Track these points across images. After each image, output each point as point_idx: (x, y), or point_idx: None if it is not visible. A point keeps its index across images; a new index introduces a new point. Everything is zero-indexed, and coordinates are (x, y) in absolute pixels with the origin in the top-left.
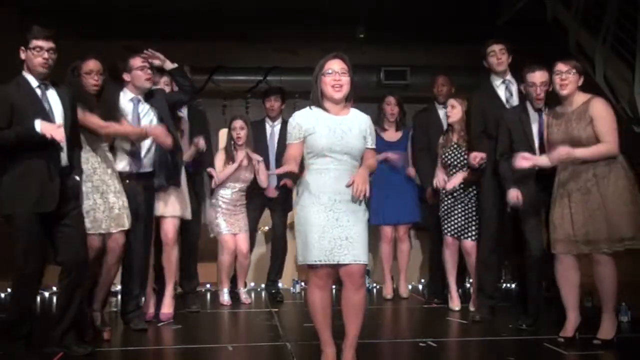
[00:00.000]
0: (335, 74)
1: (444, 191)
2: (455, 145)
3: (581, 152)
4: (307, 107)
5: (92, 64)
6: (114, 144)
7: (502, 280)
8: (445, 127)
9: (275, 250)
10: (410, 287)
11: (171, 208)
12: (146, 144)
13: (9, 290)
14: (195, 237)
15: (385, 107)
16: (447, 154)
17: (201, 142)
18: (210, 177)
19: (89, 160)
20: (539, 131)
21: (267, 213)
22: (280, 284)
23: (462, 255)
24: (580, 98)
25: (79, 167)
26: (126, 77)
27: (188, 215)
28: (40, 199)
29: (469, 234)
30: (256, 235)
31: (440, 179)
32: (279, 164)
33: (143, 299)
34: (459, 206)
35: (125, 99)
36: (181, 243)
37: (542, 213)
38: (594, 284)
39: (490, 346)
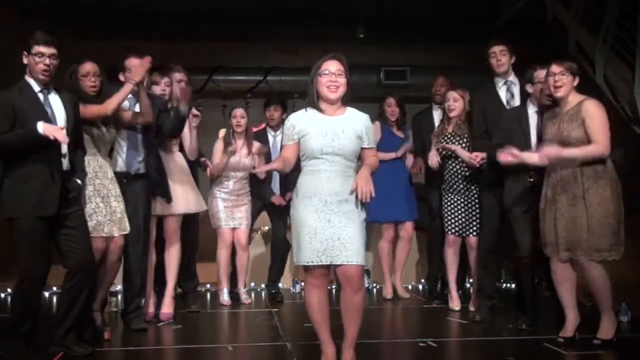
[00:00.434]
0: (332, 74)
1: (444, 188)
2: (449, 135)
3: (569, 152)
4: (303, 109)
5: (88, 67)
6: (113, 147)
7: (501, 280)
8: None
9: (275, 251)
10: (410, 287)
11: (172, 206)
12: (140, 148)
13: (9, 290)
14: (194, 236)
15: (385, 108)
16: (441, 145)
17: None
18: (205, 167)
19: (90, 164)
20: (538, 132)
21: (265, 213)
22: (280, 284)
23: (462, 255)
24: (575, 99)
25: (82, 170)
26: (121, 77)
27: (193, 207)
28: (40, 203)
29: (473, 230)
30: (254, 236)
31: (434, 160)
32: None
33: (143, 299)
34: (462, 204)
35: None
36: (181, 241)
37: (532, 214)
38: None
39: (490, 346)
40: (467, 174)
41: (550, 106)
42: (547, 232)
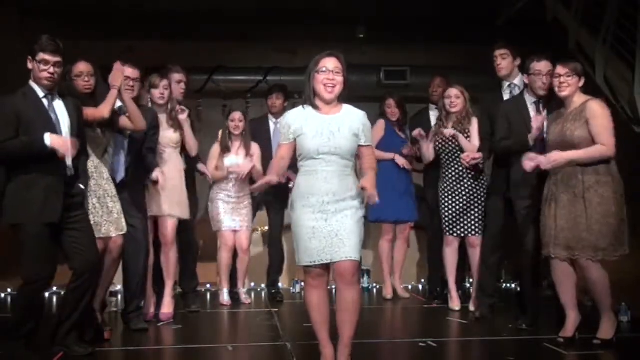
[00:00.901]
0: (329, 72)
1: (442, 188)
2: (444, 134)
3: (572, 155)
4: (300, 107)
5: (82, 67)
6: (107, 149)
7: (501, 280)
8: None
9: (273, 250)
10: (410, 287)
11: (169, 208)
12: (125, 154)
13: (9, 290)
14: (193, 236)
15: (386, 110)
16: (439, 142)
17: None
18: (203, 174)
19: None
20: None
21: (264, 213)
22: (280, 284)
23: (462, 255)
24: (579, 100)
25: (85, 175)
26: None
27: (186, 215)
28: (44, 210)
29: (472, 230)
30: (253, 235)
31: (430, 152)
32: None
33: (143, 300)
34: (460, 204)
35: None
36: (179, 243)
37: (536, 209)
38: None
39: (490, 346)
40: (465, 174)
41: (546, 97)
42: (546, 230)
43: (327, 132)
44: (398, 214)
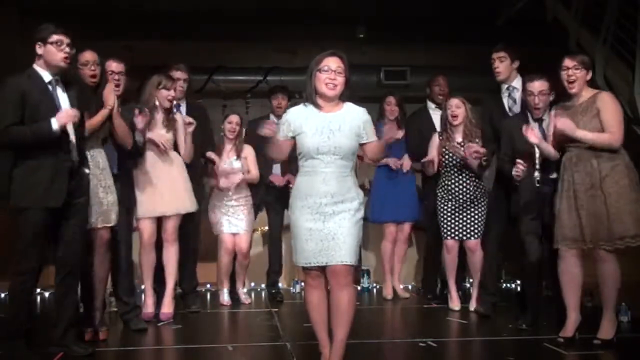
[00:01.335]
0: (332, 72)
1: (441, 192)
2: (459, 145)
3: (582, 134)
4: (302, 105)
5: (88, 55)
6: (106, 139)
7: (501, 280)
8: (437, 128)
9: (272, 251)
10: (410, 287)
11: (168, 207)
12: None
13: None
14: (194, 236)
15: (385, 107)
16: (446, 155)
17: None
18: (212, 162)
19: None
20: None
21: (264, 213)
22: (280, 284)
23: (460, 256)
24: (588, 93)
25: (87, 161)
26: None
27: (189, 207)
28: (48, 194)
29: (472, 234)
30: (253, 236)
31: (433, 166)
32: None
33: (143, 297)
34: (459, 208)
35: None
36: (181, 242)
37: (539, 216)
38: (594, 284)
39: (490, 346)
40: (464, 179)
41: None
42: (564, 226)
43: (327, 131)
44: (399, 214)
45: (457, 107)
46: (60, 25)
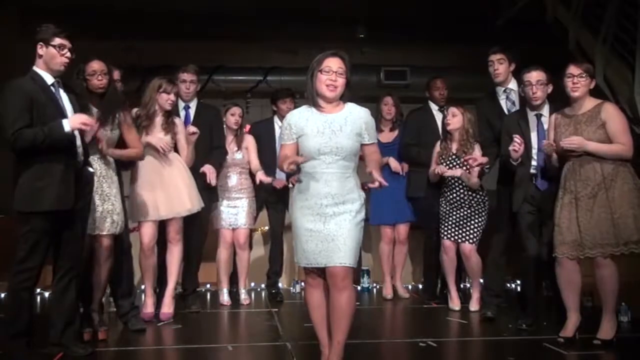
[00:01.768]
0: (333, 73)
1: (443, 196)
2: (454, 156)
3: (595, 146)
4: (304, 106)
5: (95, 65)
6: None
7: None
8: (440, 128)
9: (273, 250)
10: (410, 287)
11: (171, 210)
12: None
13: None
14: (198, 236)
15: (382, 107)
16: (443, 164)
17: (190, 128)
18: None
19: None
20: (538, 136)
21: (265, 213)
22: (280, 284)
23: (459, 257)
24: (591, 102)
25: (89, 160)
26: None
27: (194, 206)
28: (58, 197)
29: (468, 237)
30: (254, 236)
31: (439, 167)
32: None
33: (143, 297)
34: (457, 209)
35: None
36: (185, 242)
37: (536, 215)
38: (594, 284)
39: (490, 346)
40: (464, 189)
41: (555, 108)
42: (566, 232)
43: (328, 131)
44: (396, 215)
45: (453, 115)
46: (63, 27)
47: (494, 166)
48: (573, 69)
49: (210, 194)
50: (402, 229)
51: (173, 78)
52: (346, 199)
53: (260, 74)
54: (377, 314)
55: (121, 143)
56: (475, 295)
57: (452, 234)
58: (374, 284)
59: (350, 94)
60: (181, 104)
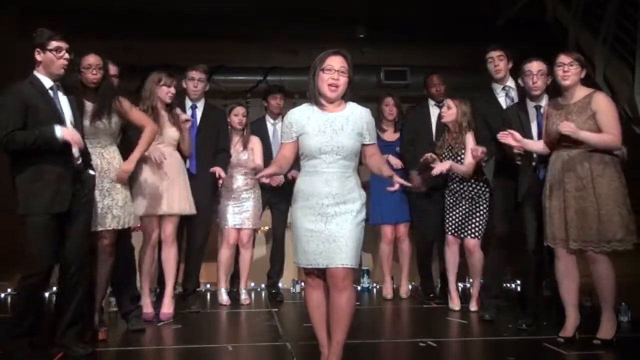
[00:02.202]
0: (335, 72)
1: (447, 191)
2: (449, 147)
3: (586, 135)
4: (305, 104)
5: (91, 59)
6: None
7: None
8: (434, 124)
9: (274, 250)
10: (410, 287)
11: (168, 207)
12: None
13: (9, 290)
14: (201, 237)
15: (383, 107)
16: (442, 156)
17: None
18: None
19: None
20: (538, 128)
21: (267, 213)
22: (280, 284)
23: (461, 256)
24: (582, 92)
25: (91, 162)
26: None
27: (189, 210)
28: (53, 200)
29: (471, 232)
30: (256, 235)
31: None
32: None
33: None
34: (461, 203)
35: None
36: (187, 242)
37: (539, 208)
38: (592, 284)
39: (490, 346)
40: (467, 182)
41: (551, 99)
42: (555, 224)
43: (329, 130)
44: (397, 215)
45: (448, 107)
46: (58, 29)
47: (490, 162)
48: (563, 58)
49: (212, 194)
50: (402, 228)
51: (172, 72)
52: (347, 199)
53: (260, 74)
54: (377, 314)
55: (123, 138)
56: (476, 295)
57: (456, 230)
58: (374, 284)
59: (352, 93)
60: (188, 103)
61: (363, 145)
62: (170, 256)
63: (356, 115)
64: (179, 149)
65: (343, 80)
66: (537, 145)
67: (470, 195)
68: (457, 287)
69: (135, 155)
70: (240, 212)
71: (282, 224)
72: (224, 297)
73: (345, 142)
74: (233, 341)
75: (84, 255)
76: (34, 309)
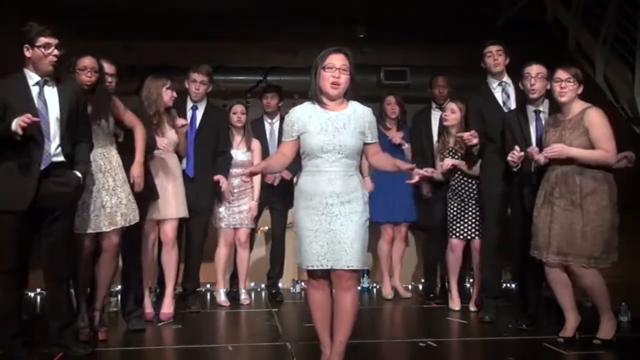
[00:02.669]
0: (336, 70)
1: (449, 193)
2: (452, 151)
3: (577, 152)
4: (307, 102)
5: (87, 61)
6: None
7: (502, 280)
8: (435, 129)
9: (274, 251)
10: (410, 287)
11: (168, 211)
12: None
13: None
14: (200, 237)
15: (385, 107)
16: (447, 157)
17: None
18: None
19: None
20: (537, 132)
21: (266, 213)
22: (280, 284)
23: (462, 255)
24: (578, 107)
25: (84, 162)
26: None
27: (184, 213)
28: (10, 197)
29: (478, 233)
30: (255, 236)
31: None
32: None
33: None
34: (466, 207)
35: None
36: (186, 242)
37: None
38: None
39: (490, 346)
40: (471, 179)
41: (551, 111)
42: (539, 235)
43: (331, 129)
44: (396, 214)
45: (452, 111)
46: (48, 24)
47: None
48: (561, 74)
49: (212, 195)
50: (404, 227)
51: (172, 73)
52: (351, 198)
53: (260, 74)
54: (377, 314)
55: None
56: (475, 295)
57: (462, 232)
58: (374, 284)
59: (354, 92)
60: (189, 104)
61: (365, 144)
62: (170, 258)
63: (358, 114)
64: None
65: (344, 78)
66: (538, 156)
67: (473, 195)
68: (458, 287)
69: (139, 159)
70: (236, 212)
71: (282, 224)
72: (222, 298)
73: (348, 141)
74: (233, 341)
75: (64, 260)
76: (13, 307)
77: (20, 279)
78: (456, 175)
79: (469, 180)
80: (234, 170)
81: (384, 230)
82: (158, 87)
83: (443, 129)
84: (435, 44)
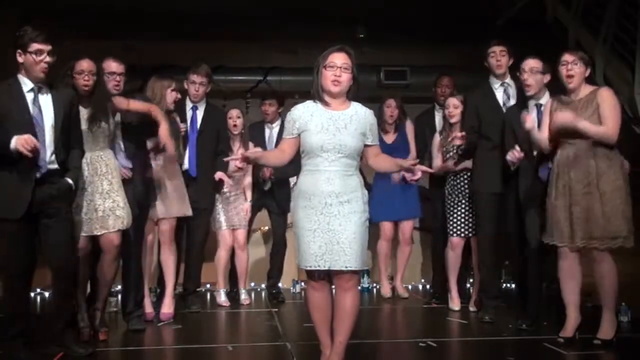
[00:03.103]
0: (337, 69)
1: (448, 189)
2: (454, 146)
3: (584, 125)
4: (309, 101)
5: (85, 64)
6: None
7: (502, 280)
8: (439, 129)
9: (274, 251)
10: (410, 287)
11: (166, 210)
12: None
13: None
14: (201, 237)
15: (385, 109)
16: (447, 154)
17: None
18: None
19: None
20: (538, 126)
21: (265, 213)
22: (280, 284)
23: (463, 255)
24: (587, 89)
25: (76, 169)
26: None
27: (185, 212)
28: (7, 205)
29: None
30: (253, 236)
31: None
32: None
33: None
34: (466, 205)
35: None
36: (186, 242)
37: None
38: (593, 285)
39: (490, 346)
40: (468, 172)
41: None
42: (560, 222)
43: (332, 128)
44: (398, 213)
45: (455, 107)
46: (42, 30)
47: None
48: (567, 56)
49: (213, 195)
50: (407, 228)
51: (173, 74)
52: (350, 198)
53: (260, 74)
54: (377, 314)
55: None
56: (475, 296)
57: (462, 230)
58: (374, 284)
59: (355, 92)
60: (189, 104)
61: (366, 146)
62: (168, 258)
63: (360, 115)
64: None
65: (346, 76)
66: (541, 136)
67: (465, 191)
68: (458, 287)
69: (164, 125)
70: (233, 214)
71: (282, 224)
72: (222, 298)
73: (348, 141)
74: (233, 341)
75: (67, 262)
76: (14, 310)
77: (26, 281)
78: (457, 173)
79: (467, 175)
80: (233, 174)
81: (383, 229)
82: (162, 88)
83: (446, 125)
84: (435, 44)
